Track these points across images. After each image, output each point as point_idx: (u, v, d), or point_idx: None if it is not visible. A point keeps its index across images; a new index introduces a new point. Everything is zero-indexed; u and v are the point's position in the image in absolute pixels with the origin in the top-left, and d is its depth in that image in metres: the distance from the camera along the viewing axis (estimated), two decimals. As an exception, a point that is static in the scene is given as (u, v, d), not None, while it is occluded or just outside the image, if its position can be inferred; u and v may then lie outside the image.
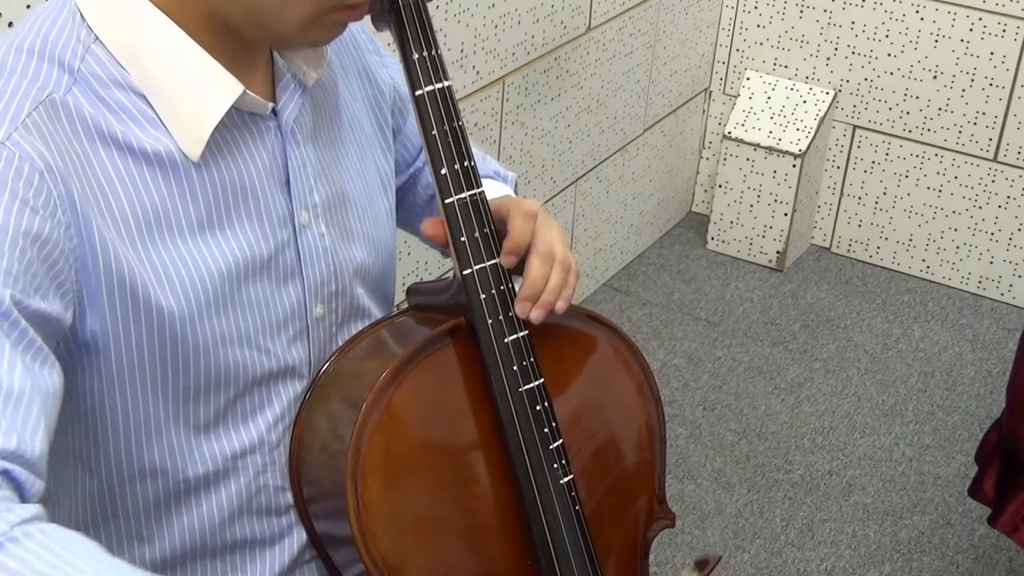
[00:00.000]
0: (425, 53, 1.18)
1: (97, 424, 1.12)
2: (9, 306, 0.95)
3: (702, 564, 1.38)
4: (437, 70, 1.18)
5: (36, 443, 0.93)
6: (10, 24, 1.67)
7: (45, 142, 1.01)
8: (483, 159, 1.44)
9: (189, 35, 1.08)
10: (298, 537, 1.26)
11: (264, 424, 1.20)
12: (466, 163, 1.19)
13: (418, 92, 1.18)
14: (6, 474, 0.90)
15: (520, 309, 1.21)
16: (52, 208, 1.00)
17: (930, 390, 3.19)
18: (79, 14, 1.08)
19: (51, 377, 0.99)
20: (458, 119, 1.19)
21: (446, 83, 1.19)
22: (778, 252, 3.63)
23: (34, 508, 0.88)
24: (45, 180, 1.00)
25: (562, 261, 1.23)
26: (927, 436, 3.03)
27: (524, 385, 1.20)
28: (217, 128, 1.10)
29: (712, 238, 3.72)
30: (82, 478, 1.16)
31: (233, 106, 1.10)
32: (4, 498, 0.87)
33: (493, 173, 1.44)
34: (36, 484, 0.93)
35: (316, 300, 1.22)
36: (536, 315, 1.21)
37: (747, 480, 2.85)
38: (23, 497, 0.91)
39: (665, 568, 2.59)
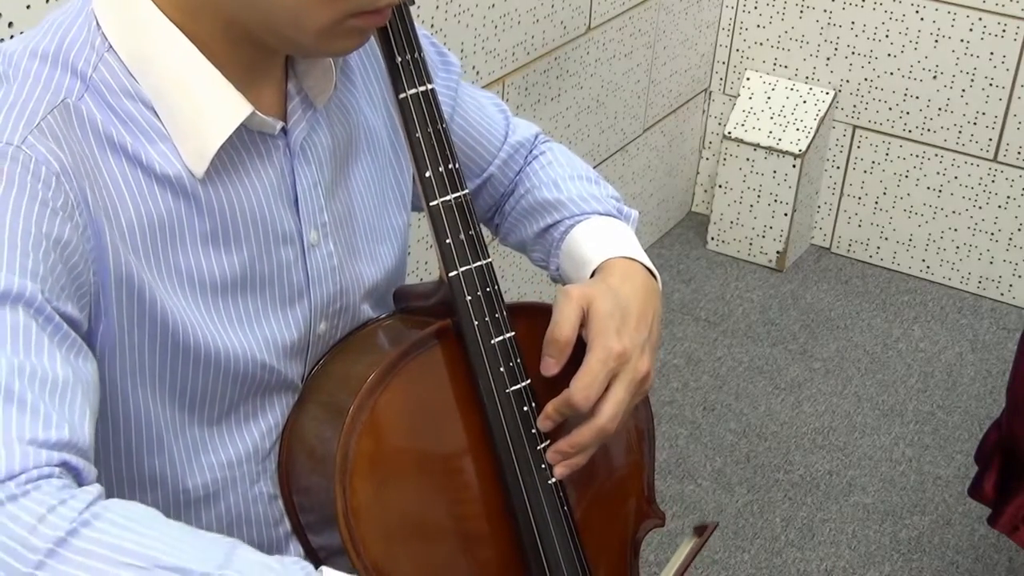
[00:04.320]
0: (408, 56, 1.18)
1: (98, 432, 1.11)
2: (42, 301, 0.96)
3: (700, 529, 1.38)
4: (420, 73, 1.18)
5: (85, 431, 0.94)
6: (10, 24, 1.67)
7: (59, 145, 1.01)
8: (597, 184, 1.43)
9: (202, 51, 1.08)
10: (295, 549, 1.26)
11: (258, 433, 1.20)
12: (450, 165, 1.19)
13: (401, 95, 1.18)
14: (66, 465, 0.91)
15: (551, 458, 1.22)
16: (70, 210, 1.01)
17: (930, 390, 3.19)
18: (95, 21, 1.08)
19: (88, 367, 1.00)
20: (442, 122, 1.19)
21: (429, 86, 1.18)
22: (778, 252, 3.63)
23: (95, 489, 0.90)
24: (62, 182, 1.00)
25: (609, 436, 1.22)
26: (927, 436, 3.03)
27: (511, 386, 1.20)
28: (223, 146, 1.09)
29: (712, 238, 3.72)
30: None
31: (241, 125, 1.10)
32: (66, 486, 0.89)
33: (615, 210, 1.41)
34: (91, 471, 0.94)
35: (321, 318, 1.22)
36: (560, 472, 1.22)
37: (747, 480, 2.85)
38: (82, 485, 0.92)
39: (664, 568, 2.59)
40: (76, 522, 0.86)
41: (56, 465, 0.90)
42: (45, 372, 0.94)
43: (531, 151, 1.45)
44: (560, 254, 1.39)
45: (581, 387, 1.19)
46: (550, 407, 1.20)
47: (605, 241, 1.35)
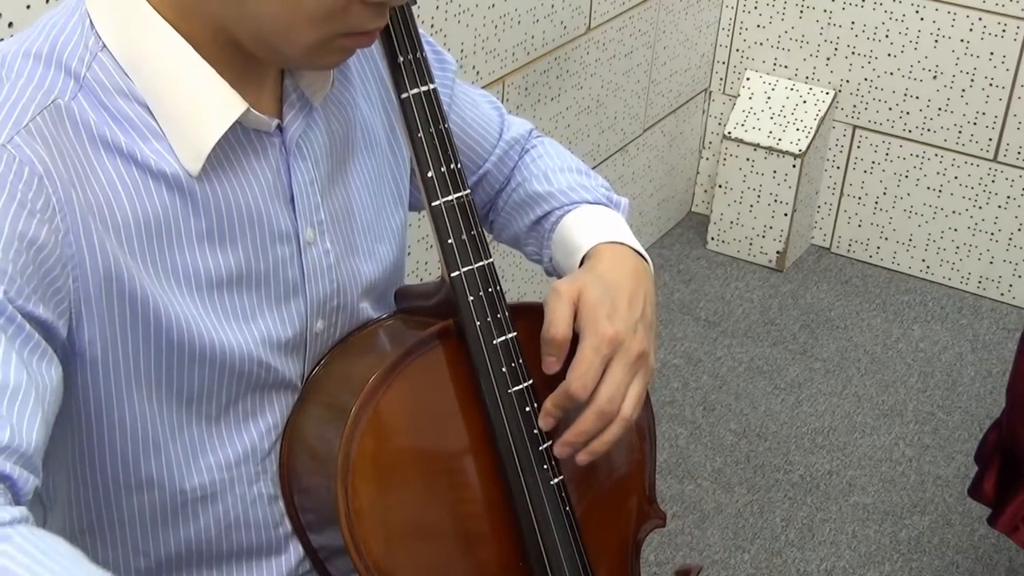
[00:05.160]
0: (411, 56, 1.17)
1: (94, 435, 1.11)
2: (3, 301, 0.95)
3: (683, 573, 1.38)
4: (423, 73, 1.18)
5: (32, 437, 0.93)
6: (10, 24, 1.67)
7: (47, 147, 1.01)
8: (588, 175, 1.43)
9: (196, 49, 1.07)
10: (295, 549, 1.26)
11: (257, 433, 1.20)
12: (452, 165, 1.19)
13: (403, 95, 1.17)
14: None
15: (559, 452, 1.21)
16: (50, 213, 1.00)
17: (930, 390, 3.19)
18: (88, 20, 1.07)
19: (49, 372, 0.98)
20: (444, 121, 1.19)
21: (431, 86, 1.18)
22: (778, 252, 3.63)
23: (17, 511, 0.87)
24: (45, 185, 1.00)
25: (627, 418, 1.21)
26: (927, 436, 3.03)
27: (513, 386, 1.20)
28: (219, 144, 1.09)
29: (712, 238, 3.72)
30: (74, 489, 1.15)
31: (237, 122, 1.10)
32: None
33: (605, 198, 1.41)
34: (30, 480, 0.92)
35: (317, 316, 1.21)
36: (583, 459, 1.21)
37: (747, 480, 2.85)
38: (16, 494, 0.91)
39: (665, 568, 2.60)
40: None
41: None
42: None
43: (524, 147, 1.45)
44: (551, 244, 1.39)
45: (577, 376, 1.19)
46: (549, 402, 1.20)
47: (594, 228, 1.35)
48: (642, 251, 1.34)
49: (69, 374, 1.07)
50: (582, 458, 1.21)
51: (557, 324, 1.20)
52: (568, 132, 3.08)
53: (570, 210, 1.39)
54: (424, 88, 1.18)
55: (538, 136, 1.48)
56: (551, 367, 1.21)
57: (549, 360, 1.21)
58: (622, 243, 1.33)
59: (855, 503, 2.81)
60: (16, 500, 0.91)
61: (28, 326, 0.97)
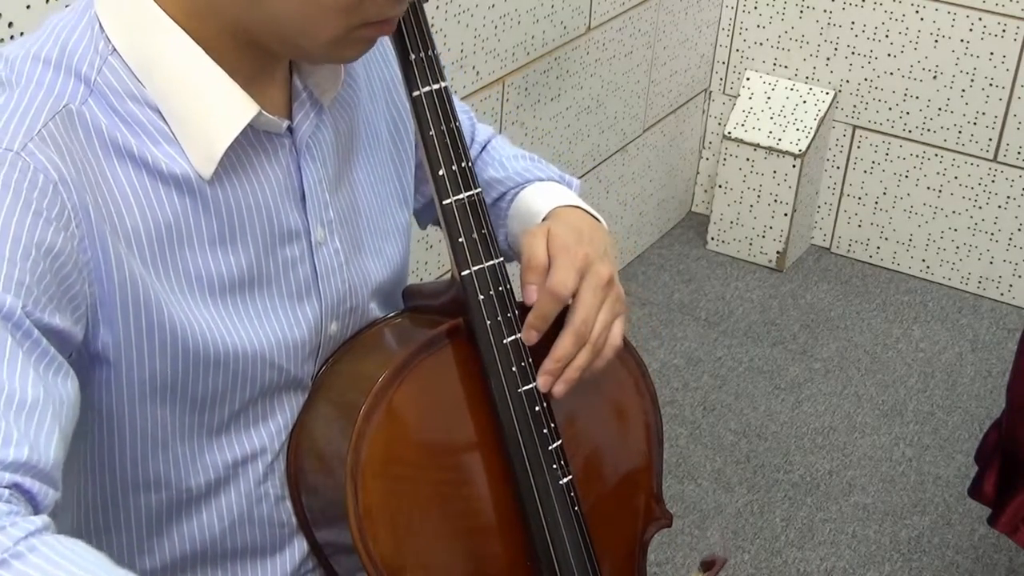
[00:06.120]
0: (422, 54, 1.17)
1: (104, 436, 1.11)
2: (21, 316, 0.95)
3: (708, 564, 1.38)
4: (434, 71, 1.18)
5: (50, 452, 0.93)
6: (10, 24, 1.67)
7: (60, 153, 1.01)
8: (540, 162, 1.45)
9: (207, 52, 1.07)
10: (299, 547, 1.26)
11: (267, 434, 1.20)
12: (463, 164, 1.19)
13: (415, 93, 1.18)
14: (18, 487, 0.89)
15: (542, 383, 1.21)
16: (66, 220, 1.00)
17: (930, 390, 3.19)
18: (98, 23, 1.07)
19: (65, 386, 0.98)
20: (455, 120, 1.19)
21: (443, 84, 1.18)
22: (778, 252, 3.63)
23: (40, 520, 0.88)
24: (59, 192, 0.99)
25: (595, 342, 1.22)
26: (927, 436, 3.03)
27: (523, 386, 1.20)
28: (230, 147, 1.09)
29: (712, 238, 3.72)
30: (82, 489, 1.15)
31: (248, 124, 1.09)
32: (11, 512, 0.87)
33: (558, 177, 1.43)
34: (49, 494, 0.92)
35: (332, 318, 1.21)
36: (559, 390, 1.21)
37: (747, 480, 2.85)
38: (36, 509, 0.91)
39: (665, 568, 2.59)
40: (8, 552, 0.84)
41: (7, 487, 0.89)
42: (13, 390, 0.92)
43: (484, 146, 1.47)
44: (508, 219, 1.40)
45: (557, 281, 1.20)
46: (531, 316, 1.21)
47: (551, 196, 1.37)
48: (598, 216, 1.36)
49: (82, 377, 1.06)
50: (558, 389, 1.21)
51: (536, 253, 1.22)
52: (568, 132, 3.08)
53: (525, 187, 1.41)
54: (436, 86, 1.18)
55: (496, 137, 1.50)
56: (532, 296, 1.21)
57: (530, 288, 1.21)
58: (578, 207, 1.34)
59: (855, 503, 2.81)
60: (36, 513, 0.91)
61: (45, 340, 0.97)
